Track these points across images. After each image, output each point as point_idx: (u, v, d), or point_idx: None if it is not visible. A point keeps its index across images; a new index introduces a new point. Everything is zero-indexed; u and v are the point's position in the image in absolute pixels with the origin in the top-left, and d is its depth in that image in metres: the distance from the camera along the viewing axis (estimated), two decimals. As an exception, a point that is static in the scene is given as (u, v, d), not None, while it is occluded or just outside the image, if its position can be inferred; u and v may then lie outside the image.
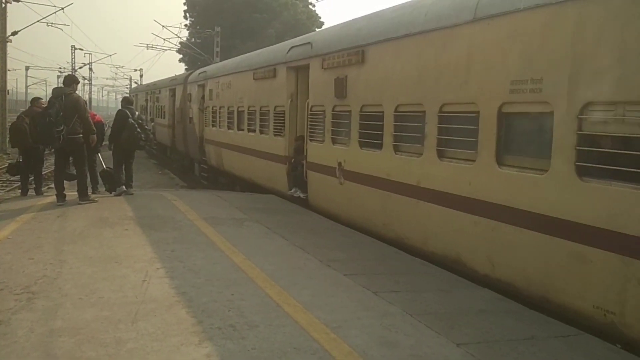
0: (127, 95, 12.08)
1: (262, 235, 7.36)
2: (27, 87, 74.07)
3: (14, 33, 26.92)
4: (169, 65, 76.02)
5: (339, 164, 8.47)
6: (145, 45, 44.17)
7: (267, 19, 44.62)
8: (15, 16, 28.44)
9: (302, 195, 10.01)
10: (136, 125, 10.33)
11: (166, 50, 45.85)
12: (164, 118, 24.61)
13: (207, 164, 17.12)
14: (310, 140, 9.61)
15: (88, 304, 4.46)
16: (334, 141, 8.77)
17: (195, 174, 19.41)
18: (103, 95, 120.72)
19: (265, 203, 10.29)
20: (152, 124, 21.84)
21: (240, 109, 13.62)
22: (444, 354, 3.83)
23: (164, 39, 50.73)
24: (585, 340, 4.21)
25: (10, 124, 12.15)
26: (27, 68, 72.94)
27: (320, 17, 49.59)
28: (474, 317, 4.58)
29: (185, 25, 49.28)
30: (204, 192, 13.43)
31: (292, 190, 10.35)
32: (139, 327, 4.02)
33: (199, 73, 18.69)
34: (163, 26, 39.90)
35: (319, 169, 9.25)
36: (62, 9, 30.92)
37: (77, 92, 9.49)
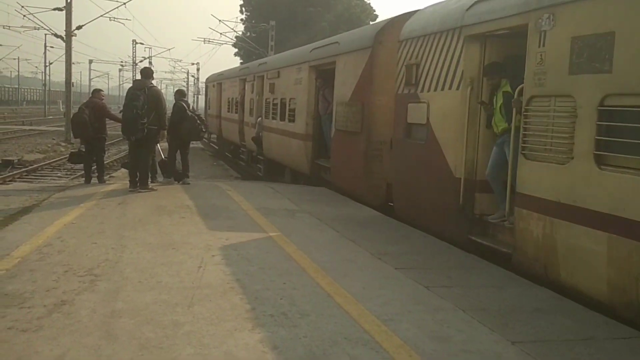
0: (181, 88, 12.31)
1: (314, 226, 7.42)
2: (90, 79, 77.21)
3: (79, 27, 28.07)
4: (225, 60, 77.47)
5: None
6: (203, 40, 45.23)
7: (321, 12, 44.65)
8: (79, 11, 29.66)
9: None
10: (196, 118, 10.71)
11: (222, 44, 46.77)
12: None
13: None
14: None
15: (147, 288, 4.64)
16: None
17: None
18: (161, 88, 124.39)
19: (317, 195, 10.35)
20: (261, 134, 15.62)
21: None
22: (497, 351, 3.76)
23: (221, 33, 51.60)
24: (648, 344, 4.03)
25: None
26: (90, 61, 76.12)
27: (374, 10, 49.19)
28: (529, 315, 4.47)
29: (241, 19, 50.05)
30: (257, 183, 13.65)
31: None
32: (195, 311, 4.14)
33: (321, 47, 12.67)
34: (220, 20, 40.54)
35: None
36: (124, 4, 32.00)
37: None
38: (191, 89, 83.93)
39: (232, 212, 8.05)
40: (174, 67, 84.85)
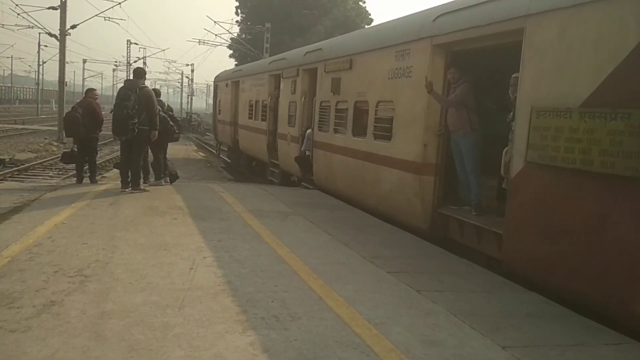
0: (156, 88, 11.23)
1: (306, 229, 7.40)
2: (84, 79, 76.87)
3: (73, 26, 27.93)
4: (220, 61, 77.40)
5: None
6: (198, 41, 45.12)
7: (317, 16, 44.72)
8: (74, 10, 29.44)
9: None
10: (168, 119, 10.40)
11: (217, 45, 46.65)
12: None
13: None
14: None
15: (138, 289, 4.60)
16: None
17: None
18: (152, 88, 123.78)
19: (309, 198, 10.34)
20: (308, 153, 11.94)
21: None
22: (489, 355, 3.76)
23: (216, 35, 51.61)
24: (638, 349, 4.05)
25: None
26: (84, 61, 75.70)
27: (369, 14, 49.32)
28: (520, 320, 4.48)
29: (237, 21, 50.01)
30: (250, 185, 13.61)
31: None
32: (186, 313, 4.12)
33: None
34: (215, 22, 40.46)
35: None
36: (119, 3, 31.89)
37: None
38: (185, 90, 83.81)
39: (224, 213, 8.02)
40: (169, 68, 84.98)
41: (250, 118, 17.10)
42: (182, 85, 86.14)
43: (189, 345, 3.59)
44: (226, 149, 23.85)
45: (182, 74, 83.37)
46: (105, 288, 4.59)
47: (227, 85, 21.19)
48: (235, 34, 47.25)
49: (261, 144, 15.84)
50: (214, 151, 27.26)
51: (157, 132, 9.67)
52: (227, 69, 26.08)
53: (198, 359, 3.43)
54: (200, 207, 8.37)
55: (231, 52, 50.32)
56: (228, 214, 8.04)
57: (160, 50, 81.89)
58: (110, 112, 9.80)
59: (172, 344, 3.60)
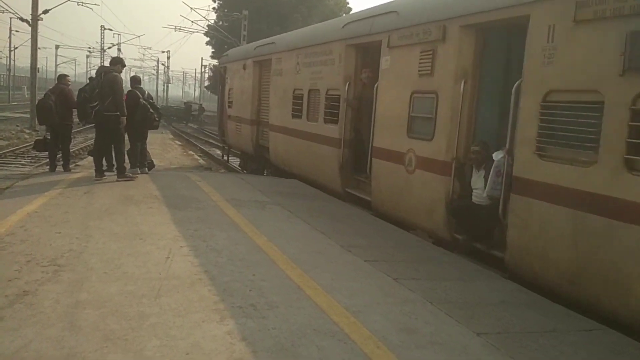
0: (136, 75, 10.72)
1: (284, 218, 7.39)
2: (56, 65, 75.19)
3: (45, 11, 27.25)
4: (196, 49, 76.31)
5: None
6: (174, 27, 44.49)
7: (294, 4, 44.43)
8: (47, -5, 28.69)
9: None
10: (149, 106, 10.30)
11: (194, 32, 46.18)
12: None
13: None
14: None
15: (113, 278, 4.55)
16: None
17: None
18: (131, 75, 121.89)
19: (288, 187, 10.32)
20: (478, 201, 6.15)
21: None
22: (464, 342, 3.81)
23: (192, 21, 51.05)
24: (608, 335, 4.15)
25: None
26: (57, 47, 74.06)
27: (348, 3, 49.13)
28: (495, 308, 4.55)
29: (213, 8, 49.39)
30: (228, 174, 13.54)
31: None
32: (162, 303, 4.08)
33: None
34: (191, 8, 39.88)
35: None
36: (93, -12, 31.17)
37: (120, 73, 9.54)
38: (161, 77, 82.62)
39: (201, 202, 7.96)
40: (144, 55, 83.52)
41: (297, 117, 10.98)
42: (157, 72, 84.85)
43: (166, 334, 3.57)
44: (240, 156, 17.34)
45: (157, 61, 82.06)
46: (80, 278, 4.52)
47: (244, 68, 14.41)
48: (212, 21, 46.69)
49: (325, 163, 9.82)
50: (220, 155, 20.84)
51: (124, 118, 9.41)
52: (242, 45, 19.95)
53: (174, 348, 3.40)
54: (176, 196, 8.29)
55: (208, 39, 49.75)
56: (205, 203, 7.98)
57: (135, 36, 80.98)
58: None
59: (148, 333, 3.57)
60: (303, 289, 4.58)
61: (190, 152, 23.80)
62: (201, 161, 20.24)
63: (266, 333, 3.69)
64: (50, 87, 10.97)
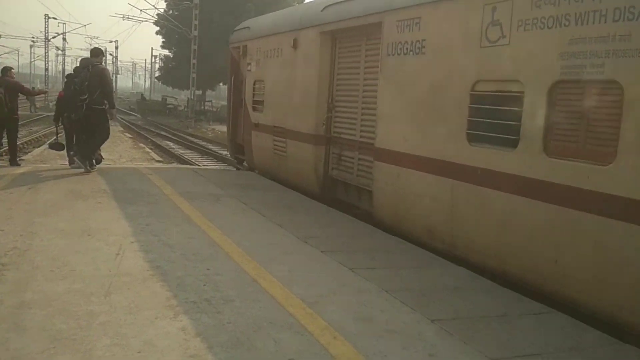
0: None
1: (239, 211, 7.30)
2: (-3, 56, 71.76)
3: (-16, -1, 25.94)
4: (146, 38, 74.33)
5: None
6: (122, 16, 43.20)
7: (247, -7, 43.82)
8: (-16, -19, 27.26)
9: None
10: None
11: (143, 21, 44.91)
12: None
13: None
14: None
15: (59, 277, 4.37)
16: None
17: None
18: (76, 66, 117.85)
19: (243, 179, 10.21)
20: None
21: None
22: (418, 329, 3.86)
23: (141, 10, 49.66)
24: (557, 318, 4.29)
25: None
26: (-3, 36, 70.57)
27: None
28: (449, 294, 4.64)
29: (163, -4, 48.19)
30: (180, 167, 13.28)
31: None
32: (112, 301, 3.96)
33: None
34: (140, -4, 38.94)
35: None
36: (34, -25, 29.88)
37: (102, 63, 9.63)
38: (109, 68, 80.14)
39: (153, 196, 7.76)
40: (90, 45, 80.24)
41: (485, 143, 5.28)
42: (105, 63, 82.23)
43: (116, 333, 3.46)
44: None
45: (105, 51, 79.59)
46: (25, 277, 4.33)
47: (294, 45, 8.89)
48: (162, 10, 45.58)
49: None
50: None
51: (115, 111, 9.66)
52: (286, 9, 14.15)
53: (126, 347, 3.30)
54: (126, 190, 8.06)
55: (158, 28, 48.55)
56: (156, 197, 7.79)
57: (81, 25, 77.80)
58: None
59: (97, 332, 3.45)
60: (259, 282, 4.54)
61: (141, 144, 23.24)
62: (152, 154, 19.80)
63: (221, 328, 3.63)
64: None
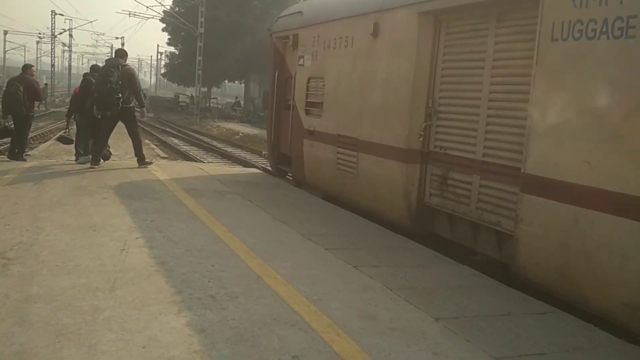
0: (96, 64, 10.41)
1: (244, 208, 7.31)
2: (5, 52, 72.13)
3: (-9, -5, 26.05)
4: (152, 35, 74.51)
5: None
6: (128, 13, 43.26)
7: (253, -9, 43.80)
8: (-8, -23, 27.35)
9: None
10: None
11: (149, 18, 44.95)
12: None
13: None
14: None
15: (65, 272, 4.39)
16: None
17: None
18: (83, 62, 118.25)
19: (248, 177, 10.22)
20: None
21: None
22: (422, 327, 3.86)
23: (147, 7, 49.73)
24: (561, 318, 4.28)
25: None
26: (5, 32, 71.01)
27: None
28: (453, 293, 4.63)
29: (169, -7, 48.24)
30: (185, 163, 13.31)
31: None
32: (117, 296, 3.97)
33: None
34: (146, -6, 39.00)
35: None
36: (42, -29, 29.96)
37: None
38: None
39: (158, 193, 7.78)
40: (97, 41, 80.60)
41: None
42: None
43: (121, 328, 3.47)
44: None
45: (111, 47, 79.71)
46: (30, 271, 4.35)
47: (374, 32, 6.93)
48: (168, 7, 45.62)
49: None
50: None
51: (145, 109, 10.15)
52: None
53: (130, 341, 3.31)
54: (132, 186, 8.08)
55: (164, 25, 48.61)
56: (162, 193, 7.81)
57: (87, 22, 78.14)
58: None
59: (102, 327, 3.46)
60: (263, 279, 4.55)
61: (147, 141, 23.28)
62: (157, 150, 19.86)
63: (225, 324, 3.64)
64: (14, 76, 10.78)
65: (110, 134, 9.95)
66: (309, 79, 8.72)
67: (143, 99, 10.25)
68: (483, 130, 5.57)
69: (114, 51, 10.29)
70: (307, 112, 8.71)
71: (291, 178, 10.15)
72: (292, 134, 9.34)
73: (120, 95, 9.30)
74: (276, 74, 10.11)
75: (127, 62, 9.87)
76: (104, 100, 9.32)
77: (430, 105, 6.25)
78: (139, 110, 10.29)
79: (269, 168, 11.78)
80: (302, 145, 8.86)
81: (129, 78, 9.52)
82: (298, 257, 5.28)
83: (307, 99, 8.76)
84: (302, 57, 8.93)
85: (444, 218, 6.21)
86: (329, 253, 5.46)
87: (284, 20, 10.02)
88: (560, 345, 3.78)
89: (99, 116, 9.56)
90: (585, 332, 4.06)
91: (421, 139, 6.28)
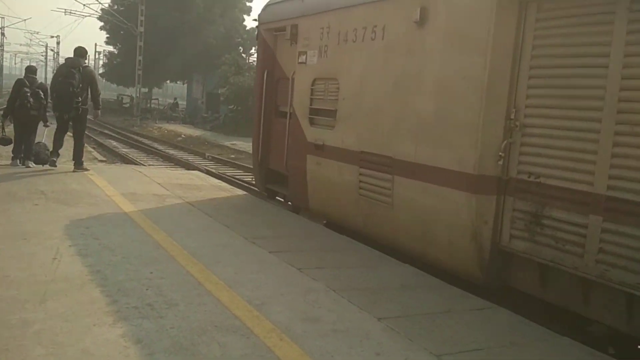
0: (32, 65, 10.05)
1: (185, 212, 7.14)
2: None
3: None
4: (89, 34, 71.84)
5: None
6: (64, 11, 41.62)
7: (194, -11, 43.05)
8: None
9: None
10: (29, 95, 9.63)
11: (86, 16, 43.35)
12: None
13: None
14: None
15: (-9, 284, 4.14)
16: None
17: None
18: (16, 62, 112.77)
19: (189, 179, 10.00)
20: None
21: None
22: (365, 328, 3.87)
23: (84, 5, 47.87)
24: (499, 313, 4.40)
25: None
26: None
27: (250, -9, 48.35)
28: (396, 292, 4.67)
29: (107, -10, 46.69)
30: (125, 167, 12.90)
31: None
32: (48, 308, 3.77)
33: None
34: (82, -9, 37.61)
35: None
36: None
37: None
38: (50, 64, 77.13)
39: (94, 197, 7.48)
40: (31, 40, 77.18)
41: None
42: (46, 59, 79.08)
43: (52, 341, 3.29)
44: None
45: (46, 46, 76.48)
46: (-49, 285, 4.07)
47: (419, 18, 5.24)
48: (107, 5, 44.17)
49: None
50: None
51: (99, 111, 9.79)
52: None
53: (62, 356, 3.15)
54: (66, 191, 7.74)
55: (102, 24, 47.06)
56: (98, 198, 7.51)
57: (20, 20, 74.56)
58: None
59: (31, 341, 3.27)
60: (204, 285, 4.44)
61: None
62: (95, 153, 19.18)
63: (164, 333, 3.52)
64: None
65: (64, 135, 9.74)
66: (315, 80, 7.04)
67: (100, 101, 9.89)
68: (608, 153, 3.96)
69: (73, 50, 9.82)
70: (312, 122, 7.09)
71: (283, 200, 8.65)
72: (290, 148, 7.68)
73: (79, 99, 9.14)
74: (265, 74, 8.34)
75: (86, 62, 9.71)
76: (65, 102, 9.16)
77: (512, 117, 4.62)
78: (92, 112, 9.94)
79: (255, 188, 10.20)
80: (304, 162, 7.19)
81: (90, 80, 9.38)
82: (241, 261, 5.19)
83: (311, 105, 7.10)
84: (304, 53, 7.23)
85: (533, 269, 4.61)
86: (273, 256, 5.40)
87: (277, 8, 8.16)
88: (498, 340, 3.89)
89: (56, 116, 9.43)
90: (521, 326, 4.19)
91: (501, 161, 4.67)
